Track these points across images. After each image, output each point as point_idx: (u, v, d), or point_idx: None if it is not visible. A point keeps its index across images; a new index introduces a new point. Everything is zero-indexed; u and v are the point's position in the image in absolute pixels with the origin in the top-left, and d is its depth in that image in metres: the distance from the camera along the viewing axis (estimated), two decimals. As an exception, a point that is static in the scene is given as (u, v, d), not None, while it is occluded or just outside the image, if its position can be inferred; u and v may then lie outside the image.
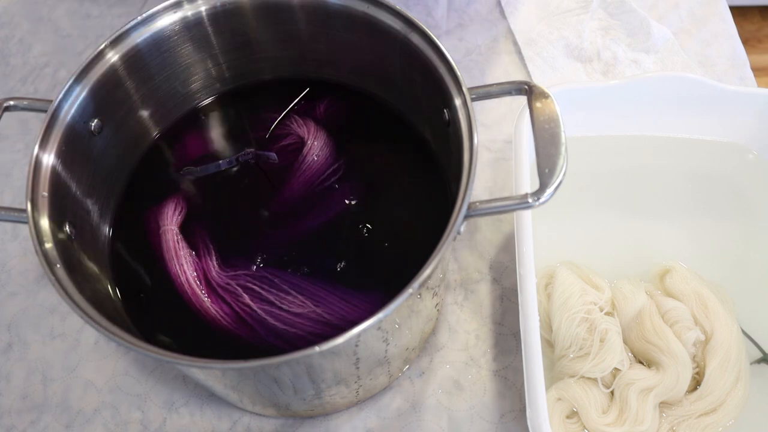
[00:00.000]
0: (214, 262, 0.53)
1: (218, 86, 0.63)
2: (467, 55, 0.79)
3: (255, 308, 0.51)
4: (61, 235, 0.47)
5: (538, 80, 0.75)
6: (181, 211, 0.56)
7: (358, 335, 0.39)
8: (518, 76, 0.77)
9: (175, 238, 0.54)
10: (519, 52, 0.79)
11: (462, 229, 0.43)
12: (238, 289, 0.52)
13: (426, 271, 0.41)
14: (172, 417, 0.57)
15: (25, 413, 0.58)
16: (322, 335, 0.50)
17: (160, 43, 0.55)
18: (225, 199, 0.58)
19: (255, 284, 0.52)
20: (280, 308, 0.51)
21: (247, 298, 0.52)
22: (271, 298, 0.52)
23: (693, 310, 0.56)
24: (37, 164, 0.47)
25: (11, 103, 0.50)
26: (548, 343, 0.57)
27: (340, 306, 0.51)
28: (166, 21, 0.55)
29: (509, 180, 0.69)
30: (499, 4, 0.82)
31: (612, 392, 0.54)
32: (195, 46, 0.58)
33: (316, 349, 0.38)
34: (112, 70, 0.53)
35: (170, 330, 0.52)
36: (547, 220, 0.62)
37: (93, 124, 0.52)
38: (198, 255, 0.54)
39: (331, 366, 0.46)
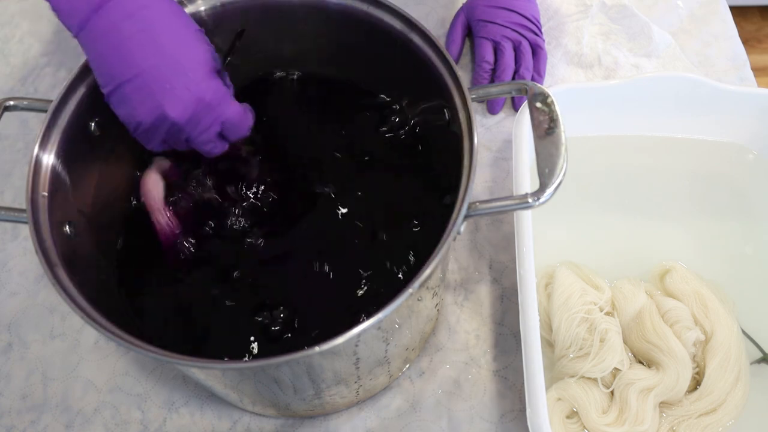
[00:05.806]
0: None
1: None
2: (467, 56, 0.79)
3: None
4: (61, 235, 0.46)
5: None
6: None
7: (358, 335, 0.39)
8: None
9: (177, 240, 0.54)
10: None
11: (462, 229, 0.43)
12: None
13: (425, 272, 0.41)
14: (172, 417, 0.57)
15: (25, 413, 0.58)
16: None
17: (160, 42, 0.55)
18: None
19: None
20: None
21: None
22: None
23: (693, 310, 0.56)
24: (37, 164, 0.47)
25: (11, 102, 0.50)
26: (548, 343, 0.57)
27: None
28: (166, 21, 0.54)
29: (509, 180, 0.69)
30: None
31: (612, 392, 0.54)
32: (195, 45, 0.58)
33: (317, 349, 0.38)
34: (112, 70, 0.52)
35: (172, 330, 0.52)
36: (547, 220, 0.62)
37: (93, 124, 0.52)
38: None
39: (331, 366, 0.46)
